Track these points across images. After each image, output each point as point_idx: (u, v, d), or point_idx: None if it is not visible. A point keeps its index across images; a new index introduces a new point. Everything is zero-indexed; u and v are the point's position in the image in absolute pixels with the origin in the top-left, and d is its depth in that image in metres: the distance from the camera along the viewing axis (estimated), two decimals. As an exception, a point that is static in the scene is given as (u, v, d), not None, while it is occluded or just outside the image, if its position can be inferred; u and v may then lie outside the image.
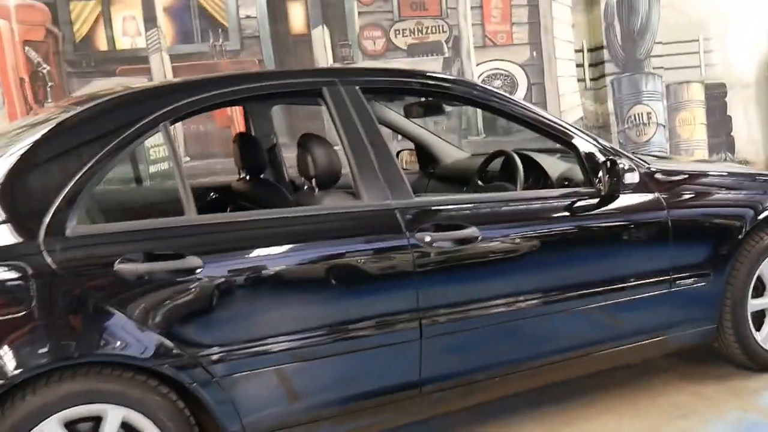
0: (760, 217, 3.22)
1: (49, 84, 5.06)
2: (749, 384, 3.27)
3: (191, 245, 2.29)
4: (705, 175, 3.35)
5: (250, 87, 2.66)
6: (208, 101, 2.51)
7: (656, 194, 3.04)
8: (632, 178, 2.95)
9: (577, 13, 6.65)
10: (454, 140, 5.89)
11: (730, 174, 3.47)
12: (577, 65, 6.68)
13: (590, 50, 6.71)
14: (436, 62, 6.13)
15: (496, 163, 3.49)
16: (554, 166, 3.33)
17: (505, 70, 6.38)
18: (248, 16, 5.59)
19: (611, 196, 2.94)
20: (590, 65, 6.72)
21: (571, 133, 3.04)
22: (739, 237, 3.17)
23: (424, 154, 4.14)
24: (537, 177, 3.29)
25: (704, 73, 7.20)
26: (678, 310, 3.12)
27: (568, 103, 6.63)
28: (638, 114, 6.76)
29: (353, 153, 2.60)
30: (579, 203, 2.91)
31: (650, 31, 6.76)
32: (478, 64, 6.27)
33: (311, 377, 2.46)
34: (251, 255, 2.37)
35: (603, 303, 2.94)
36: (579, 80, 6.69)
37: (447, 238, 2.61)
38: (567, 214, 2.89)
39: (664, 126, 6.87)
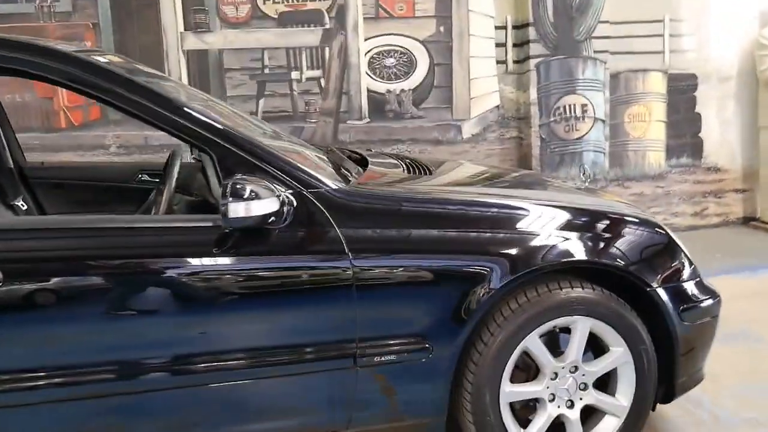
0: (520, 272, 2.38)
1: None
2: None
3: None
4: (444, 202, 2.48)
5: None
6: None
7: (337, 230, 2.26)
8: (257, 208, 2.12)
9: (502, -18, 5.66)
10: (325, 125, 5.16)
11: (502, 205, 2.56)
12: (498, 44, 5.71)
13: (515, 27, 5.71)
14: (313, 34, 5.33)
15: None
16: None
17: (400, 47, 5.50)
18: (87, -28, 4.97)
19: (246, 232, 2.19)
20: (514, 45, 5.73)
21: (218, 133, 2.26)
22: (483, 297, 2.35)
23: None
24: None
25: (668, 61, 6.05)
26: (372, 395, 2.36)
27: (482, 89, 5.69)
28: (569, 105, 5.73)
29: None
30: (190, 238, 2.21)
31: (593, 7, 5.69)
32: (366, 39, 5.42)
33: None
34: None
35: (236, 381, 2.24)
36: (499, 62, 5.72)
37: None
38: (173, 253, 2.20)
39: (603, 121, 5.82)
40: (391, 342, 2.34)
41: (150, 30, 5.04)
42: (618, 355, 2.56)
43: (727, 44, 6.13)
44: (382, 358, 2.33)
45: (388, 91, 5.48)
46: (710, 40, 6.11)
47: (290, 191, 2.27)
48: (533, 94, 5.64)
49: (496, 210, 2.52)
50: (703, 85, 6.14)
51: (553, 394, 2.55)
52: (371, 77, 5.45)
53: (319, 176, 2.35)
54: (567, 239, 2.49)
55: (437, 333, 2.35)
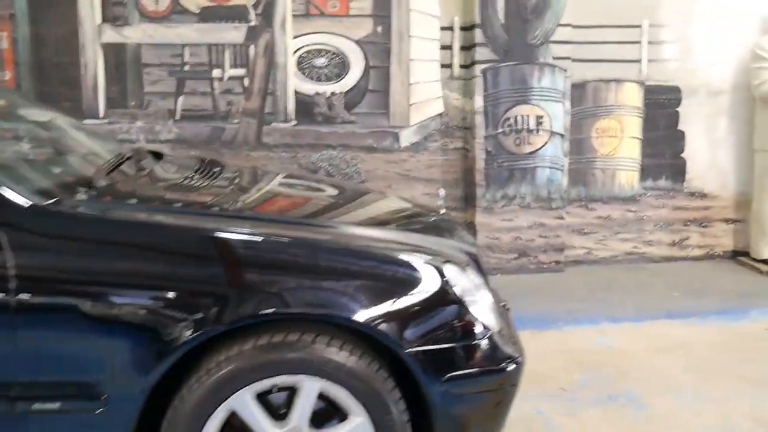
0: (219, 325, 2.05)
1: None
2: None
3: None
4: (148, 228, 2.16)
5: None
6: None
7: (9, 253, 2.00)
8: None
9: (449, -21, 5.21)
10: (248, 126, 4.90)
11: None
12: (444, 47, 5.26)
13: (463, 29, 5.24)
14: (237, 31, 5.07)
15: None
16: None
17: (332, 47, 5.16)
18: (3, -39, 4.92)
19: None
20: (462, 48, 5.26)
21: None
22: (171, 348, 2.04)
23: None
24: None
25: (646, 71, 5.42)
26: None
27: (423, 95, 5.26)
28: (521, 117, 5.20)
29: None
30: None
31: (552, 9, 5.14)
32: (295, 37, 5.11)
33: None
34: None
35: None
36: (444, 66, 5.27)
37: None
38: None
39: (562, 135, 5.26)
40: (54, 387, 2.06)
41: (67, 21, 4.93)
42: (355, 426, 2.15)
43: (718, 54, 5.43)
44: (43, 405, 2.05)
45: (317, 94, 5.15)
46: (697, 49, 5.42)
47: None
48: (479, 102, 5.15)
49: (206, 239, 2.15)
50: (688, 99, 5.46)
51: None
52: (300, 78, 5.14)
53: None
54: (288, 284, 2.12)
55: (116, 382, 2.05)
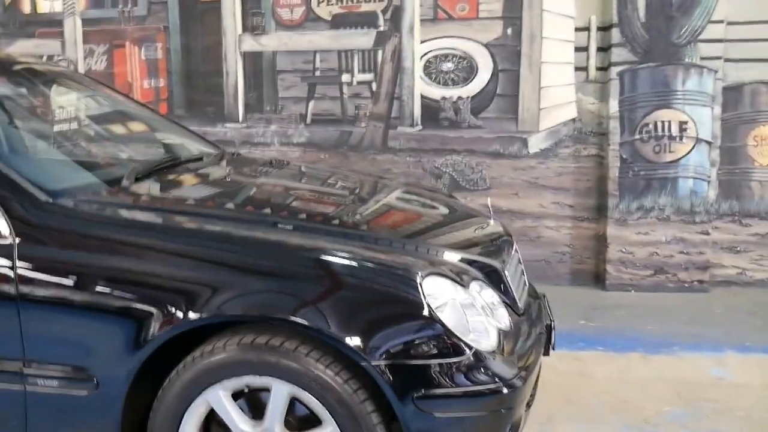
0: (192, 317, 2.15)
1: (-16, 42, 5.57)
2: None
3: None
4: (150, 229, 2.34)
5: None
6: None
7: (14, 244, 2.25)
8: None
9: (585, -24, 4.91)
10: (374, 130, 5.01)
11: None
12: (579, 49, 4.96)
13: (600, 29, 4.91)
14: (366, 37, 5.12)
15: None
16: None
17: (461, 51, 5.05)
18: (156, -18, 5.35)
19: None
20: (599, 49, 4.93)
21: None
22: (150, 340, 2.17)
23: None
24: None
25: (818, 71, 4.77)
26: (44, 420, 2.33)
27: (555, 99, 5.00)
28: (662, 122, 4.79)
29: None
30: None
31: (702, 5, 4.68)
32: (422, 42, 5.07)
33: None
34: None
35: None
36: (579, 69, 4.98)
37: None
38: None
39: (709, 143, 4.77)
40: (54, 368, 2.25)
41: (212, 32, 5.27)
42: None
43: None
44: (45, 383, 2.26)
45: (444, 98, 5.08)
46: None
47: None
48: (614, 106, 4.82)
49: (193, 240, 2.28)
50: None
51: None
52: (426, 82, 5.10)
53: (20, 187, 2.34)
54: (248, 286, 2.17)
55: (103, 367, 2.22)
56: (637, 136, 4.83)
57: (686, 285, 4.84)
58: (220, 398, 2.18)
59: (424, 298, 2.12)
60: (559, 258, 5.01)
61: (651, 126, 4.81)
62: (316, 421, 2.16)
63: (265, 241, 2.28)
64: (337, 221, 2.58)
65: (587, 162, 5.00)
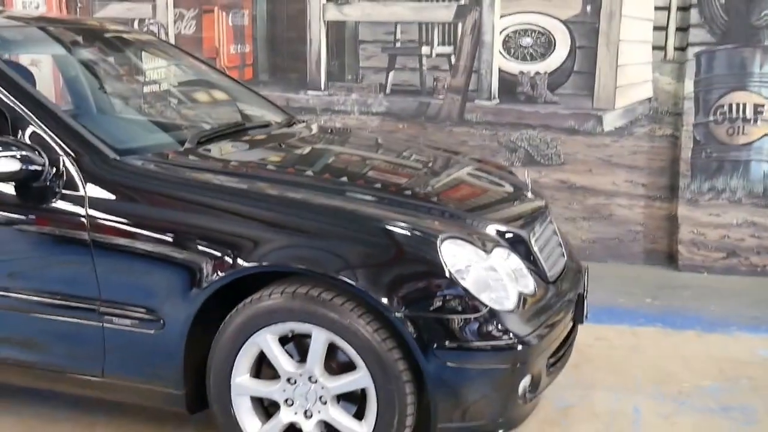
0: (249, 264, 2.44)
1: (78, 5, 5.82)
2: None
3: None
4: (205, 188, 2.59)
5: None
6: None
7: (84, 196, 2.55)
8: None
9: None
10: (452, 103, 5.16)
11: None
12: (657, 28, 5.02)
13: (681, 9, 4.95)
14: (447, 9, 5.25)
15: None
16: None
17: (540, 27, 5.14)
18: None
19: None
20: (678, 29, 4.98)
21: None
22: (204, 285, 2.47)
23: None
24: None
25: None
26: (117, 354, 2.64)
27: (631, 78, 5.08)
28: (737, 104, 4.85)
29: None
30: None
31: (786, -13, 4.69)
32: (502, 16, 5.17)
33: None
34: None
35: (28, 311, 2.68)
36: (657, 48, 5.03)
37: None
38: None
39: (786, 127, 4.82)
40: (127, 308, 2.55)
41: (297, 0, 5.44)
42: (357, 378, 2.41)
43: None
44: (120, 321, 2.56)
45: (522, 73, 5.20)
46: None
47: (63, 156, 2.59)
48: (689, 87, 4.88)
49: (245, 199, 2.56)
50: None
51: (291, 400, 2.49)
52: (504, 57, 5.22)
53: (92, 145, 2.62)
54: (289, 241, 2.45)
55: (168, 309, 2.51)
56: (711, 118, 4.89)
57: (759, 269, 4.93)
58: (267, 341, 2.46)
59: (443, 258, 2.35)
60: (632, 237, 5.13)
61: (726, 108, 4.87)
62: (353, 367, 2.42)
63: (306, 202, 2.53)
64: (376, 186, 2.83)
65: (661, 142, 5.08)
